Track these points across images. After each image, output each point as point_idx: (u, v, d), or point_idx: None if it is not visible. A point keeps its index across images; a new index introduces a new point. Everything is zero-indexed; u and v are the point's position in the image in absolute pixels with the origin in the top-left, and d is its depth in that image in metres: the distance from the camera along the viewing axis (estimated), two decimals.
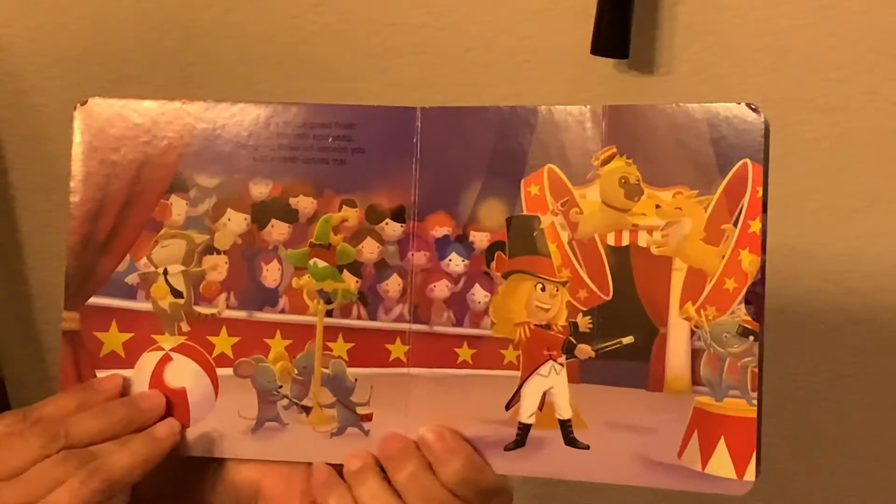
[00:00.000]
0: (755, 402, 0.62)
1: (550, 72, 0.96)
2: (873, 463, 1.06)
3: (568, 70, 0.96)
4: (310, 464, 0.67)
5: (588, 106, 0.65)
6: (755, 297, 0.62)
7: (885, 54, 0.93)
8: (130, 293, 0.68)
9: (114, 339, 0.68)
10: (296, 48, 0.98)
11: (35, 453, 0.62)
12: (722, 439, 0.62)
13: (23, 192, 1.05)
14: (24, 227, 1.06)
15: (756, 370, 0.63)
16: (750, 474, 0.62)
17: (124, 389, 0.67)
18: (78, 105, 0.68)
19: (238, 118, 0.67)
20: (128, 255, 0.68)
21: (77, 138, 0.68)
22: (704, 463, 0.63)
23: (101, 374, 0.68)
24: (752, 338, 0.63)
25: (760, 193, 0.62)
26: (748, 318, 0.62)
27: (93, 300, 0.68)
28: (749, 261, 0.63)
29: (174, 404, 0.68)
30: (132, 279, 0.68)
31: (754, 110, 0.62)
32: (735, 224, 0.63)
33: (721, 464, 0.63)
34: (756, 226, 0.62)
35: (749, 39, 0.94)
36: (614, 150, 0.64)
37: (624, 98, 0.95)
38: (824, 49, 0.94)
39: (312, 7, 0.98)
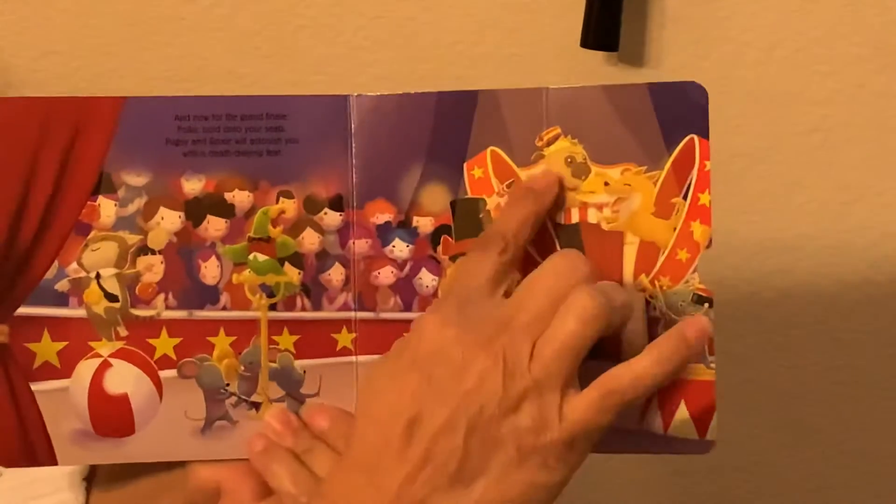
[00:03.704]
0: (713, 365, 0.64)
1: (539, 65, 0.97)
2: (861, 456, 1.09)
3: (557, 63, 0.96)
4: None
5: (529, 88, 0.64)
6: None
7: (871, 48, 0.95)
8: (61, 300, 0.66)
9: (47, 349, 0.66)
10: (284, 42, 0.98)
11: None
12: (682, 403, 0.64)
13: None
14: None
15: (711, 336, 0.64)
16: (712, 434, 0.64)
17: None
18: None
19: (163, 112, 0.65)
20: (56, 261, 0.65)
21: None
22: (666, 426, 0.64)
23: (35, 386, 0.66)
24: (706, 305, 0.64)
25: (708, 167, 0.63)
26: (702, 286, 0.64)
27: (21, 310, 0.65)
28: (700, 231, 0.63)
29: (117, 412, 0.66)
30: (62, 286, 0.66)
31: (697, 87, 0.63)
32: (684, 197, 0.64)
33: (683, 426, 0.64)
34: (705, 198, 0.63)
35: (737, 33, 0.95)
36: (558, 130, 0.64)
37: None
38: (812, 42, 0.95)
39: (300, 0, 0.98)
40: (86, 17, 0.99)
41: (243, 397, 0.67)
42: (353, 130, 0.65)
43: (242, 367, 0.66)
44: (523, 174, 0.65)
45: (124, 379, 0.66)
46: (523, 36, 0.97)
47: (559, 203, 0.64)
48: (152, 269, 0.66)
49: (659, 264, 0.64)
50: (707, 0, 0.95)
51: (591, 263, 0.61)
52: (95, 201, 0.65)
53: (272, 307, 0.66)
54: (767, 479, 1.11)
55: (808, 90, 0.97)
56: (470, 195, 0.65)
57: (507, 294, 0.61)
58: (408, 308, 0.66)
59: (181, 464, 0.67)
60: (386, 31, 0.98)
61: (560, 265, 0.60)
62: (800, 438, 1.09)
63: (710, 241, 0.63)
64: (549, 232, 0.65)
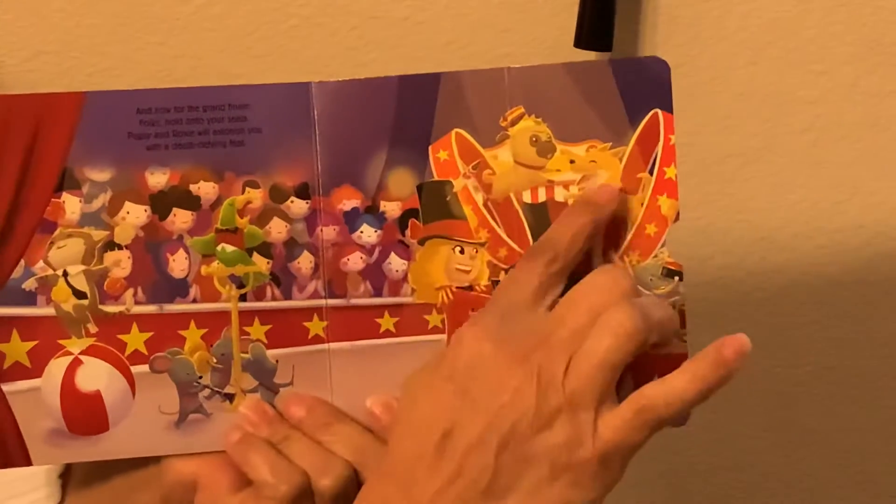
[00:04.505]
0: (686, 338, 0.64)
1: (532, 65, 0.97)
2: (855, 456, 1.10)
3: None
4: None
5: (490, 68, 0.64)
6: None
7: (864, 47, 0.95)
8: (29, 299, 0.65)
9: (16, 349, 0.65)
10: (277, 41, 0.97)
11: None
12: (656, 377, 0.63)
13: None
14: None
15: (683, 308, 0.64)
16: None
17: None
18: None
19: (124, 106, 0.64)
20: (22, 261, 0.65)
21: None
22: None
23: (6, 387, 0.65)
24: (676, 278, 0.64)
25: (673, 141, 0.63)
26: (671, 259, 0.64)
27: None
28: (668, 205, 0.64)
29: (90, 409, 0.65)
30: (29, 284, 0.65)
31: (659, 61, 0.63)
32: (650, 172, 0.64)
33: None
34: (671, 172, 0.63)
35: (730, 32, 0.95)
36: (522, 109, 0.64)
37: None
38: (805, 41, 0.95)
39: (294, 0, 0.97)
40: (79, 17, 0.98)
41: (217, 389, 0.66)
42: (316, 117, 0.65)
43: (215, 360, 0.66)
44: (488, 154, 0.65)
45: (96, 376, 0.66)
46: (517, 36, 0.97)
47: (526, 182, 0.64)
48: (120, 264, 0.65)
49: (627, 240, 0.64)
50: (700, 0, 0.95)
51: (631, 279, 0.60)
52: (60, 198, 0.65)
53: (242, 298, 0.66)
54: (761, 479, 1.12)
55: (801, 89, 0.97)
56: (436, 178, 0.65)
57: (552, 307, 0.60)
58: (378, 293, 0.66)
59: (157, 459, 0.67)
60: (380, 32, 0.98)
61: (601, 281, 0.60)
62: (793, 439, 1.10)
63: (678, 214, 0.63)
64: (516, 212, 0.64)
